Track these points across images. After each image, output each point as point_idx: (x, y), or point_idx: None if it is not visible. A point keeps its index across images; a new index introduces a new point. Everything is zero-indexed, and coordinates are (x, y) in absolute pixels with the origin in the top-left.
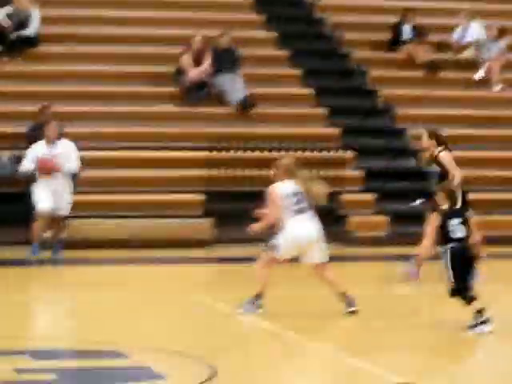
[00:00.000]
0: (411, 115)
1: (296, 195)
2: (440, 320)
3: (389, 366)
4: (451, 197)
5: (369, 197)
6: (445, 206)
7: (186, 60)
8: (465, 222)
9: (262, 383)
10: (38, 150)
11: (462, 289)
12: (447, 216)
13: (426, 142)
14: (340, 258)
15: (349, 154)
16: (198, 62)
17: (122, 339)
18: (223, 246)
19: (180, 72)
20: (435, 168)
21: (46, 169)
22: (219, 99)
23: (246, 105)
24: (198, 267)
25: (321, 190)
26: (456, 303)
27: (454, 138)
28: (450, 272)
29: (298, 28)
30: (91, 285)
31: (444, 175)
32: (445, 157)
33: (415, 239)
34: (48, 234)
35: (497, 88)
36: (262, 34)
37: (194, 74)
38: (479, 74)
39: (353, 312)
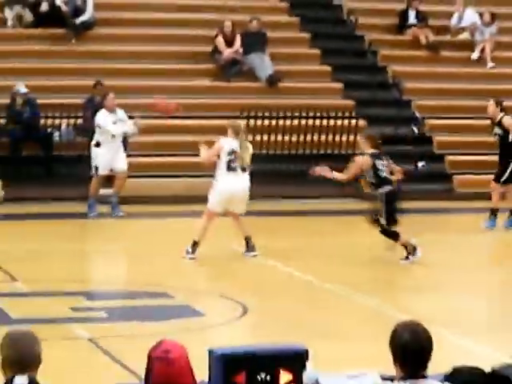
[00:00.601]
0: (416, 89)
1: (233, 153)
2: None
3: (395, 304)
4: (374, 143)
5: None
6: (369, 151)
7: (220, 41)
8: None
9: (286, 319)
10: (103, 118)
11: (389, 230)
12: (375, 157)
13: (492, 109)
14: (357, 212)
15: (361, 122)
16: (230, 43)
17: (168, 282)
18: (254, 201)
19: (215, 52)
20: (497, 131)
21: (169, 110)
22: (250, 75)
23: (273, 80)
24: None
25: (249, 154)
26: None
27: (452, 108)
28: (385, 215)
29: (317, 13)
30: (142, 235)
31: (506, 136)
32: (507, 121)
33: (419, 195)
34: (104, 191)
35: (489, 65)
36: (286, 18)
37: (227, 53)
38: (475, 55)
39: (255, 256)
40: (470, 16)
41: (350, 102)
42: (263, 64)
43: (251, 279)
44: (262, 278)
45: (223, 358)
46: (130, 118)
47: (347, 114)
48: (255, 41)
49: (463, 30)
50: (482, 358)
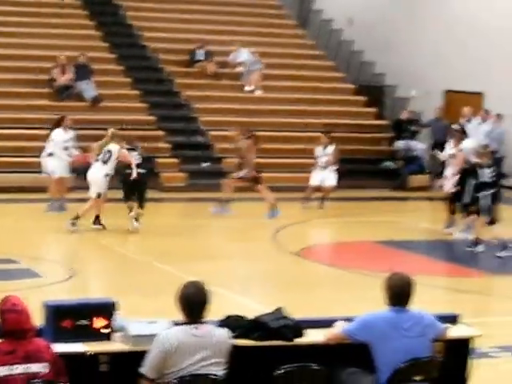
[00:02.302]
0: (202, 108)
1: (104, 152)
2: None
3: (184, 269)
4: (128, 140)
5: (174, 161)
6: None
7: (56, 71)
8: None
9: (104, 280)
10: (59, 134)
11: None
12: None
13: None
14: (156, 200)
15: (161, 132)
16: (63, 72)
17: (16, 251)
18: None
19: (52, 79)
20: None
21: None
22: (79, 96)
23: (96, 100)
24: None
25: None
26: None
27: (229, 123)
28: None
29: (129, 51)
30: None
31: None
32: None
33: (203, 188)
34: None
35: (257, 92)
36: (107, 55)
37: (61, 80)
38: (248, 88)
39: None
40: (244, 54)
41: (152, 118)
42: (89, 88)
43: (83, 250)
44: (90, 249)
45: (54, 308)
46: None
47: (151, 127)
48: (83, 71)
49: (239, 64)
50: (248, 308)
